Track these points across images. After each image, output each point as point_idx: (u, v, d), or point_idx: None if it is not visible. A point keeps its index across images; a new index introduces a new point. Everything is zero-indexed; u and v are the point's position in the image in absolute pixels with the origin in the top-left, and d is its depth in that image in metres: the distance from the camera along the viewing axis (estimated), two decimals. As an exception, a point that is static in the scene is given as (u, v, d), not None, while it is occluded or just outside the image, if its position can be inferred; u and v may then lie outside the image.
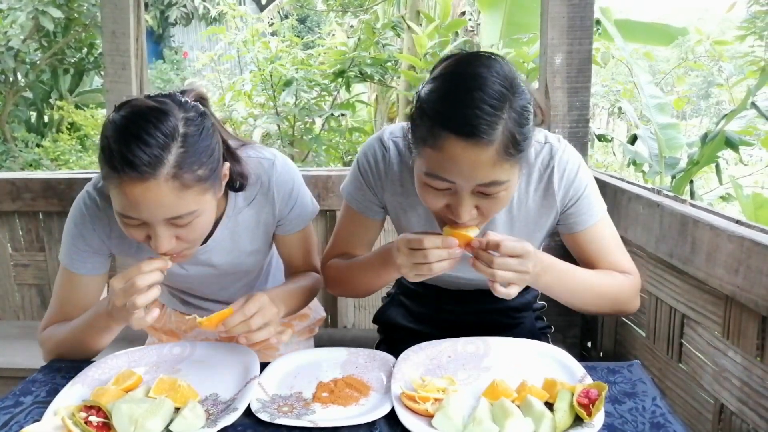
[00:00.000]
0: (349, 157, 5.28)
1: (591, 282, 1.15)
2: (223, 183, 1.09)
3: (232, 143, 1.16)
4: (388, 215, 1.30)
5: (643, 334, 1.44)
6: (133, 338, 1.90)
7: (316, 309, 1.59)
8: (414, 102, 1.02)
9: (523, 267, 1.00)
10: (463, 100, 0.93)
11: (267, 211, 1.23)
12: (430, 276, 1.02)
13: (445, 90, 0.96)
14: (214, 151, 1.02)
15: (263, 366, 1.07)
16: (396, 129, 1.23)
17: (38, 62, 6.71)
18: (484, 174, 0.94)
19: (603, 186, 1.60)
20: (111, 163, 0.93)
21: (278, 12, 8.62)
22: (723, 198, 3.93)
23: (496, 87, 0.93)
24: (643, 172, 3.77)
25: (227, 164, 1.09)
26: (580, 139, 1.75)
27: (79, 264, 1.17)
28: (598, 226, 1.19)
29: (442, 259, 0.99)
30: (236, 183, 1.15)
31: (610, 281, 1.17)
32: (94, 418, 0.87)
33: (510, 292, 1.02)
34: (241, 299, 1.05)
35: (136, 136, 0.91)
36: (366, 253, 1.31)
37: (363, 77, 4.69)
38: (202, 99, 1.09)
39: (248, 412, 0.93)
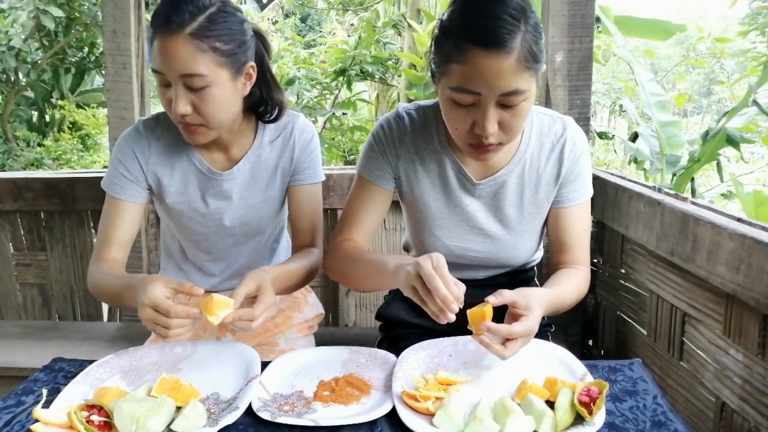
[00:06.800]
0: (351, 156, 5.28)
1: (569, 296, 1.19)
2: (248, 83, 1.24)
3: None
4: (397, 190, 1.32)
5: (644, 333, 1.44)
6: (134, 338, 1.92)
7: (314, 304, 1.59)
8: (437, 26, 1.09)
9: (531, 336, 0.98)
10: (484, 12, 1.01)
11: (286, 155, 1.36)
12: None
13: (467, 6, 1.04)
14: (236, 39, 1.17)
15: (264, 365, 1.07)
16: (409, 104, 1.30)
17: (39, 61, 6.71)
18: (506, 83, 1.00)
19: (604, 184, 1.60)
20: (155, 21, 1.14)
21: (279, 10, 8.62)
22: (724, 195, 3.93)
23: (515, 1, 1.01)
24: (644, 169, 3.77)
25: (254, 66, 1.24)
26: (581, 137, 1.74)
27: (119, 189, 1.31)
28: (583, 207, 1.26)
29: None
30: (272, 111, 1.33)
31: (578, 290, 1.22)
32: (95, 417, 0.87)
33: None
34: (242, 287, 1.05)
35: (176, 3, 1.13)
36: (372, 229, 1.32)
37: (364, 76, 4.70)
38: (258, 33, 1.28)
39: (249, 411, 0.93)
